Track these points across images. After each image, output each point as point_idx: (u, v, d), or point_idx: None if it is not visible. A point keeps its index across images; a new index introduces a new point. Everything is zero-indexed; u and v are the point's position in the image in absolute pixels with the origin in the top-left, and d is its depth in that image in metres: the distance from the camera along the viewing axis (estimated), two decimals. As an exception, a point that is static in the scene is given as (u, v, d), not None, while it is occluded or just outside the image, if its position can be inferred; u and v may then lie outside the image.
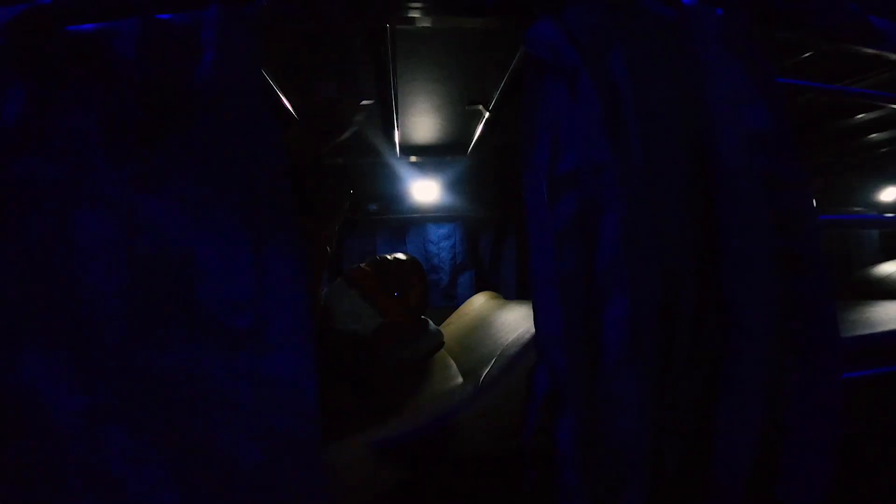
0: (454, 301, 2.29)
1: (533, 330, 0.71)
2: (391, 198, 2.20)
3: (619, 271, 0.63)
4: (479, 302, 1.82)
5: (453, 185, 2.09)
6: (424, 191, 2.06)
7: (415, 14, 0.79)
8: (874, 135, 1.85)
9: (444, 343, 1.28)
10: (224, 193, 0.58)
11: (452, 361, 1.17)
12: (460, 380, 1.00)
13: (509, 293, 2.34)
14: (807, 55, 1.12)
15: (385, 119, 1.45)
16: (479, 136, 1.61)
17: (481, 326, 1.35)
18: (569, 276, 0.65)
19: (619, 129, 0.66)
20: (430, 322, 1.30)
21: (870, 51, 1.00)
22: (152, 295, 0.56)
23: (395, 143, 1.66)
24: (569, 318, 0.65)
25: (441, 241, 2.35)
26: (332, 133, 0.78)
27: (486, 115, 1.41)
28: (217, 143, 0.59)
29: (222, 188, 0.58)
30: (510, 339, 0.99)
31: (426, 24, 0.83)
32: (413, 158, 1.87)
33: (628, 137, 0.66)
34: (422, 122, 1.53)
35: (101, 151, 0.58)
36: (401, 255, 1.27)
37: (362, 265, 1.18)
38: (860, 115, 1.66)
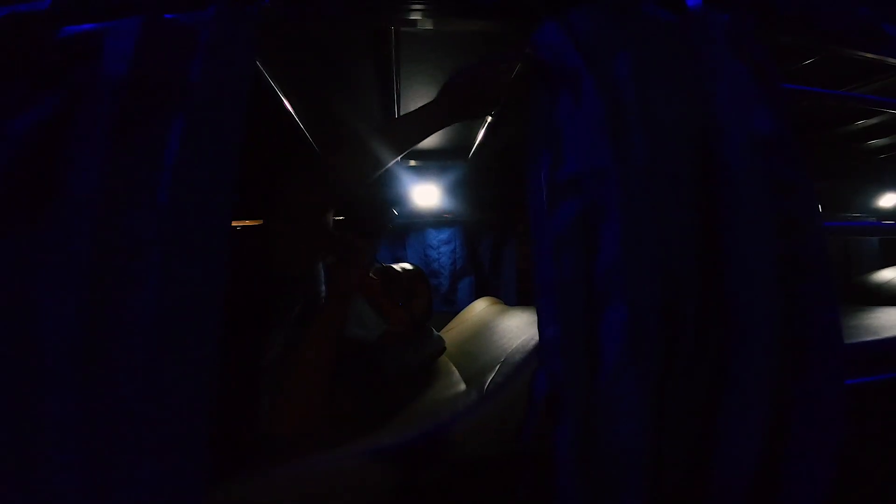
0: (454, 306, 2.28)
1: (537, 337, 0.70)
2: (392, 202, 2.20)
3: (619, 276, 0.63)
4: (480, 307, 1.81)
5: (454, 190, 2.08)
6: (425, 195, 2.05)
7: (417, 16, 0.79)
8: (874, 140, 1.86)
9: (445, 349, 1.27)
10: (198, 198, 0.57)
11: (454, 368, 1.16)
12: (463, 386, 0.99)
13: (509, 299, 2.33)
14: (809, 60, 1.12)
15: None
16: (481, 141, 1.61)
17: (483, 332, 1.34)
18: (567, 281, 0.65)
19: (622, 133, 0.66)
20: (433, 329, 1.30)
21: (872, 56, 1.00)
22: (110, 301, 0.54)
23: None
24: (567, 322, 0.64)
25: (441, 246, 2.34)
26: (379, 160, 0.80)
27: (488, 119, 1.41)
28: (198, 144, 0.58)
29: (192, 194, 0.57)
30: (514, 346, 0.98)
31: (428, 26, 0.82)
32: (413, 162, 1.86)
33: (632, 142, 0.66)
34: (423, 126, 1.52)
35: (74, 153, 0.57)
36: (407, 265, 1.28)
37: (369, 273, 1.18)
38: (860, 121, 1.67)
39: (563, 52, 0.69)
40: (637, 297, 0.62)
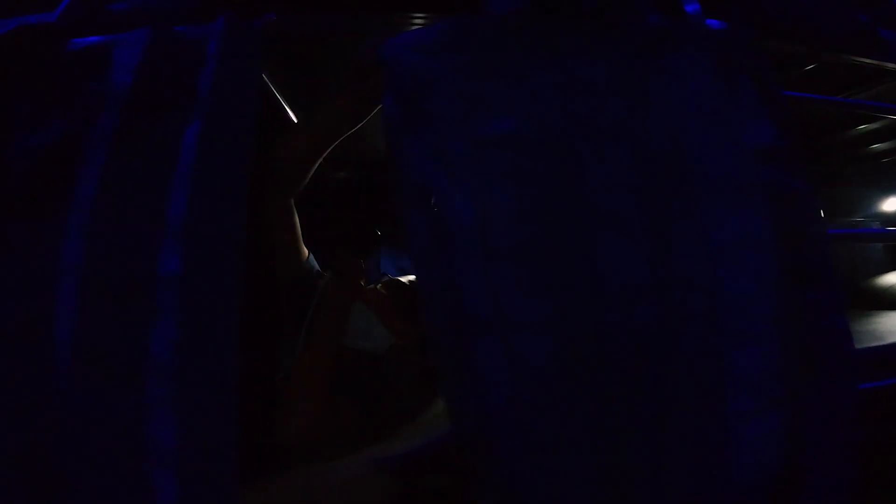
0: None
1: None
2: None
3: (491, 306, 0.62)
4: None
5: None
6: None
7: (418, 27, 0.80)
8: (877, 145, 1.85)
9: (448, 357, 1.26)
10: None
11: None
12: (466, 395, 0.99)
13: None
14: (809, 67, 1.13)
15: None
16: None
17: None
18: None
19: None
20: None
21: (871, 62, 1.00)
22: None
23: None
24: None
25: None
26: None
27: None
28: (209, 152, 0.59)
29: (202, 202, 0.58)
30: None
31: None
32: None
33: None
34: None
35: (86, 163, 0.58)
36: (414, 278, 1.27)
37: (377, 286, 1.18)
38: (863, 126, 1.67)
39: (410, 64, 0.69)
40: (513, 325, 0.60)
